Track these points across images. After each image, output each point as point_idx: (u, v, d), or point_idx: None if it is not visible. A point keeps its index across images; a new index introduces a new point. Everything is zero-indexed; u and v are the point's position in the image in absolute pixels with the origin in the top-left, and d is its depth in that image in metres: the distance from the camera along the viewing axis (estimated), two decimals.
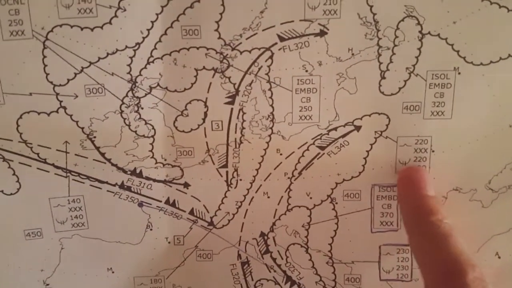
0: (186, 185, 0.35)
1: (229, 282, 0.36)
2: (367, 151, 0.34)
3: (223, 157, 0.34)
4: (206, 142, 0.34)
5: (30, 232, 0.34)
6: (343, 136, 0.33)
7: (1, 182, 0.33)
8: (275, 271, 0.36)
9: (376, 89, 0.32)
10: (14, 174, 0.33)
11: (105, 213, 0.34)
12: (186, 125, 0.33)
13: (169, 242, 0.35)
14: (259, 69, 0.32)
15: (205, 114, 0.33)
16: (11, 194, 0.33)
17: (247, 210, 0.35)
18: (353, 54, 0.32)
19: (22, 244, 0.34)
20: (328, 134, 0.33)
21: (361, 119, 0.33)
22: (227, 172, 0.34)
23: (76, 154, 0.33)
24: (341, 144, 0.33)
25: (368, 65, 0.32)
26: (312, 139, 0.34)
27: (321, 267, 0.36)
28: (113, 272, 0.36)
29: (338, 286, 0.36)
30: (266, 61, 0.32)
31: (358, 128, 0.33)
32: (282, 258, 0.36)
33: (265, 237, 0.35)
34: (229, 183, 0.34)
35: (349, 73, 0.32)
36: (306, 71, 0.32)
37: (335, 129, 0.33)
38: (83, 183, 0.34)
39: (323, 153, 0.34)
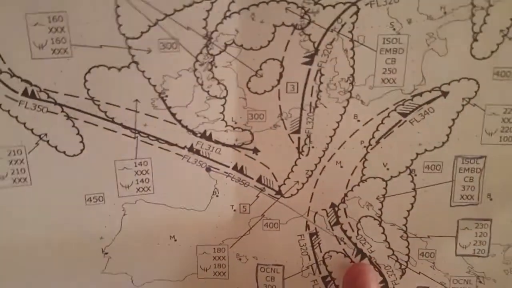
0: (256, 150, 0.31)
1: (296, 253, 0.33)
2: (453, 120, 0.30)
3: (296, 122, 0.31)
4: (279, 105, 0.30)
5: (91, 197, 0.31)
6: (428, 102, 0.30)
7: (64, 142, 0.30)
8: (345, 243, 0.33)
9: (467, 52, 0.29)
10: (78, 133, 0.30)
11: (172, 178, 0.31)
12: (260, 86, 0.30)
13: (234, 210, 0.32)
14: (342, 26, 0.29)
15: (281, 74, 0.30)
16: (74, 155, 0.30)
17: (317, 179, 0.32)
18: (445, 13, 0.28)
19: (82, 209, 0.31)
20: (412, 99, 0.30)
21: (449, 84, 0.30)
22: (299, 138, 0.31)
23: (146, 114, 0.30)
24: (425, 111, 0.30)
25: (460, 26, 0.28)
26: (394, 104, 0.30)
27: (394, 241, 0.32)
28: (175, 240, 0.32)
29: (411, 260, 0.33)
30: (350, 17, 0.28)
31: (445, 94, 0.30)
32: (353, 231, 0.32)
33: (336, 208, 0.32)
34: (300, 150, 0.31)
35: (440, 33, 0.29)
36: (394, 29, 0.29)
37: (420, 94, 0.30)
38: (152, 145, 0.30)
39: (405, 121, 0.30)
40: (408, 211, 0.32)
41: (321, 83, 0.30)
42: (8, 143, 0.29)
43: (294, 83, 0.30)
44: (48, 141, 0.29)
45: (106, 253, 0.32)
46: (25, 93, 0.28)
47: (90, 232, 0.31)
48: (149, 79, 0.29)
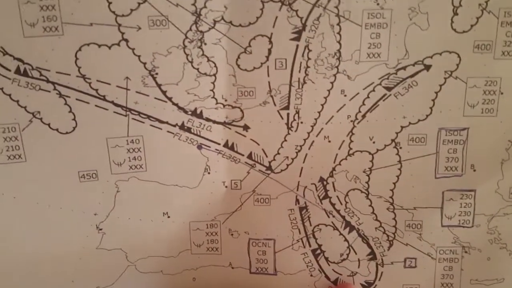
0: (246, 127, 0.31)
1: (286, 227, 0.33)
2: (436, 93, 0.31)
3: (285, 98, 0.31)
4: (269, 82, 0.31)
5: (85, 174, 0.31)
6: (412, 76, 0.30)
7: (56, 120, 0.30)
8: (333, 216, 0.33)
9: (448, 26, 0.29)
10: (70, 111, 0.30)
11: (163, 155, 0.31)
12: (249, 63, 0.30)
13: (226, 187, 0.32)
14: (329, 1, 0.29)
15: (269, 51, 0.30)
16: (67, 133, 0.30)
17: (306, 154, 0.32)
18: None
19: (76, 186, 0.31)
20: (396, 73, 0.30)
21: (431, 57, 0.30)
22: (288, 114, 0.31)
23: (137, 92, 0.30)
24: (409, 84, 0.30)
25: (441, 0, 0.29)
26: (379, 79, 0.30)
27: (381, 213, 0.33)
28: (168, 217, 0.33)
29: (398, 232, 0.33)
30: None
31: (428, 67, 0.30)
32: (342, 204, 0.33)
33: (324, 182, 0.32)
34: (289, 126, 0.31)
35: (422, 7, 0.29)
36: (378, 4, 0.29)
37: (404, 68, 0.30)
38: (143, 122, 0.30)
39: (390, 94, 0.31)
40: (394, 183, 0.32)
41: (309, 59, 0.30)
42: (2, 120, 0.29)
43: (283, 59, 0.30)
44: (41, 119, 0.29)
45: (101, 229, 0.32)
46: (17, 71, 0.28)
47: (84, 208, 0.31)
48: (139, 56, 0.29)
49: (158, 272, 0.33)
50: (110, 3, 0.28)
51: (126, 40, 0.28)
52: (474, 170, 0.32)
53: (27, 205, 0.31)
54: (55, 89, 0.29)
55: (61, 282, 0.32)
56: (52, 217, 0.31)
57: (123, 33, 0.28)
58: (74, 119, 0.30)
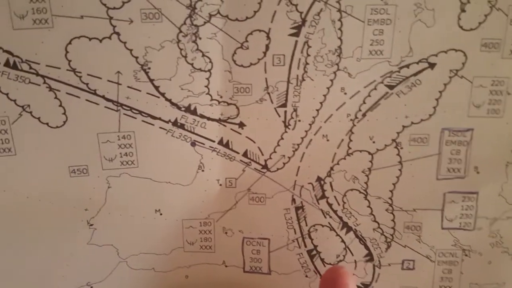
0: (241, 125, 0.31)
1: (282, 227, 0.33)
2: (440, 92, 0.30)
3: (282, 96, 0.30)
4: (266, 79, 0.30)
5: (75, 169, 0.31)
6: (416, 74, 0.30)
7: (46, 114, 0.30)
8: (330, 217, 0.33)
9: (455, 23, 0.29)
10: (60, 105, 0.29)
11: (156, 152, 0.31)
12: (246, 59, 0.30)
13: (220, 185, 0.32)
14: None
15: (267, 47, 0.29)
16: (57, 127, 0.30)
17: (304, 153, 0.32)
18: None
19: (66, 181, 0.31)
20: (399, 71, 0.30)
21: (436, 55, 0.29)
22: (285, 112, 0.31)
23: (128, 86, 0.29)
24: (412, 83, 0.30)
25: None
26: (381, 77, 0.30)
27: (379, 214, 0.33)
28: (161, 214, 0.33)
29: (397, 233, 0.33)
30: None
31: (432, 65, 0.30)
32: (339, 204, 0.33)
33: (322, 182, 0.32)
34: (286, 124, 0.31)
35: (428, 3, 0.28)
36: None
37: (407, 66, 0.30)
38: (135, 118, 0.30)
39: (392, 93, 0.30)
40: (394, 184, 0.32)
41: (308, 55, 0.30)
42: None
43: (281, 55, 0.30)
44: (31, 112, 0.29)
45: (92, 225, 0.32)
46: (7, 64, 0.28)
47: (75, 203, 0.31)
48: (131, 50, 0.29)
49: (150, 269, 0.34)
50: None
51: (118, 34, 0.28)
52: (478, 172, 0.31)
53: (17, 199, 0.31)
54: (45, 82, 0.29)
55: (51, 278, 0.32)
56: (43, 212, 0.31)
57: (114, 26, 0.28)
58: (64, 113, 0.30)
